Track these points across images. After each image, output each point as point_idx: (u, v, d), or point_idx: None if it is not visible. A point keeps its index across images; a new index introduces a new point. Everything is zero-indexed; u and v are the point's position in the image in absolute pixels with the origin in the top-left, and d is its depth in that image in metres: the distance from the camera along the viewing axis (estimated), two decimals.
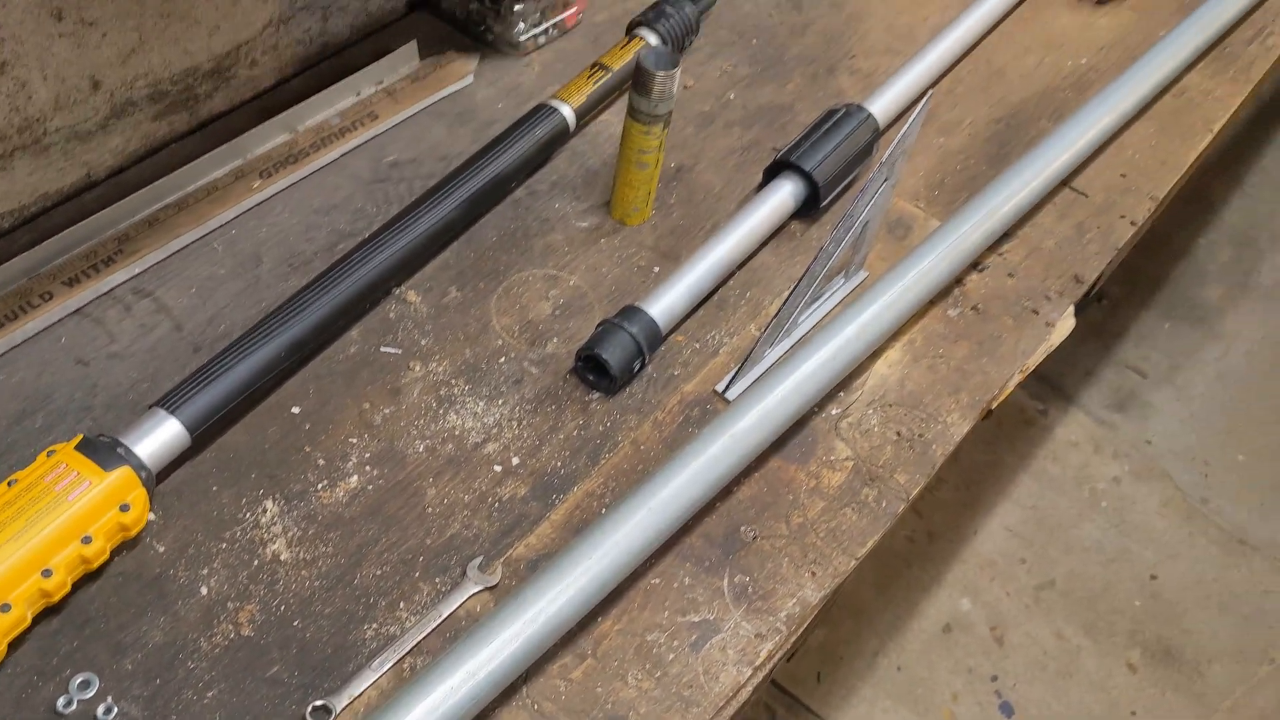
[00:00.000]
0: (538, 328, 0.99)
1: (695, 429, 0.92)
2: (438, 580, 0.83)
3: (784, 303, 0.94)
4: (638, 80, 0.97)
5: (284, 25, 1.12)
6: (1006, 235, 1.11)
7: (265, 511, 0.85)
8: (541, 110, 1.10)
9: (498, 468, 0.90)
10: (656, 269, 1.05)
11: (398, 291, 1.00)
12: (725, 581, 0.85)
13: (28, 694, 0.75)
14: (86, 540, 0.77)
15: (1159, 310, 2.26)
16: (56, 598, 0.76)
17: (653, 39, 1.17)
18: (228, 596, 0.81)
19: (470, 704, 0.72)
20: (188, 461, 0.87)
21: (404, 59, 1.17)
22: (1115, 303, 2.23)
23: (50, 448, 0.80)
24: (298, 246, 1.03)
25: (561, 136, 1.11)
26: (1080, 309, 1.07)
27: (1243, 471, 2.05)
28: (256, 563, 0.83)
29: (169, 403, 0.84)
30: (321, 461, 0.89)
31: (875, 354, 1.00)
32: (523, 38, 1.21)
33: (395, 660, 0.79)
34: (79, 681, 0.75)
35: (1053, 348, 1.05)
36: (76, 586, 0.79)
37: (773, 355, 0.98)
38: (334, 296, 0.93)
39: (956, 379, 1.00)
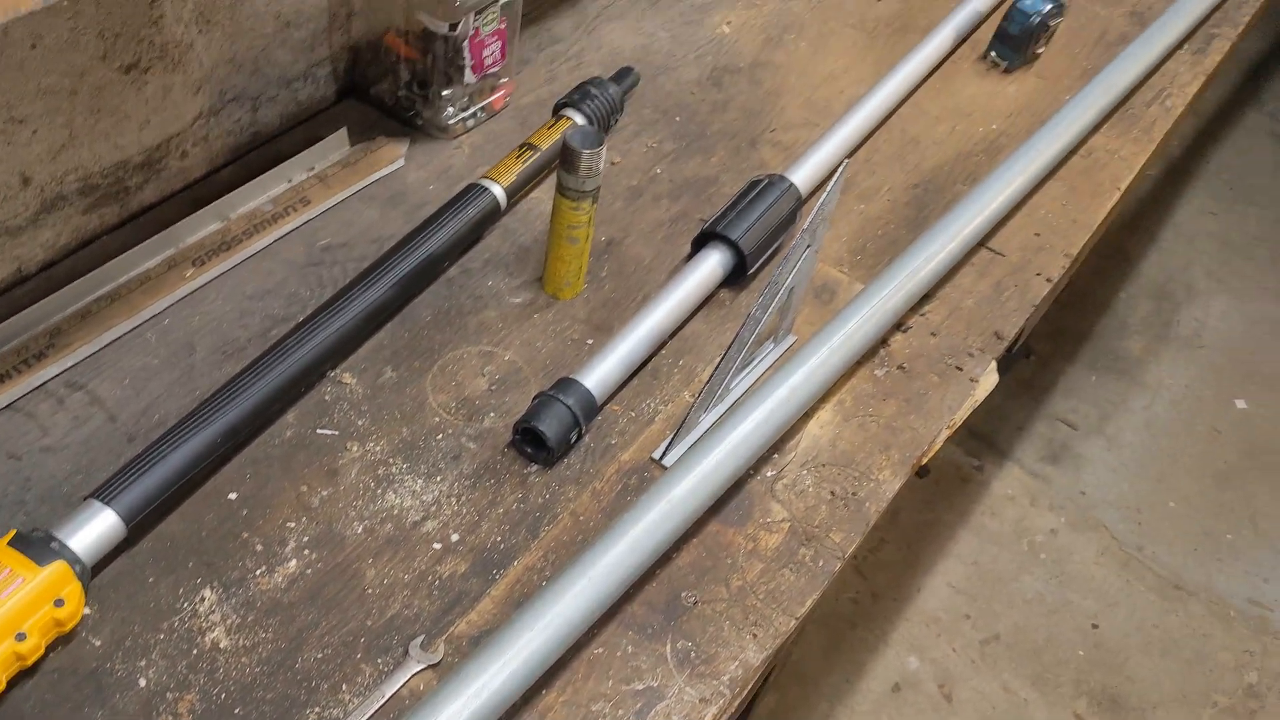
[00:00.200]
0: (474, 403, 1.00)
1: (633, 497, 0.93)
2: (380, 661, 0.83)
3: (716, 369, 0.96)
4: (565, 158, 0.99)
5: (214, 117, 1.13)
6: (928, 296, 1.14)
7: (203, 600, 0.85)
8: (472, 190, 1.12)
9: (437, 545, 0.90)
10: (590, 341, 1.07)
11: (333, 374, 1.01)
12: (668, 648, 0.86)
13: None
14: (20, 637, 0.76)
15: (1085, 363, 2.32)
16: None
17: (579, 119, 1.20)
18: (167, 687, 0.80)
19: None
20: (124, 552, 0.86)
21: (335, 145, 1.19)
22: (1043, 358, 2.28)
23: None
24: (231, 333, 1.03)
25: (493, 215, 1.13)
26: (1008, 365, 1.10)
27: (1175, 518, 2.10)
28: (196, 652, 0.82)
29: (104, 494, 0.83)
30: (259, 547, 0.88)
31: (807, 415, 1.02)
32: (451, 121, 1.23)
33: None
34: None
35: (978, 402, 1.08)
36: (11, 684, 0.77)
37: (707, 420, 1.00)
38: (269, 382, 0.93)
39: (886, 436, 1.02)
